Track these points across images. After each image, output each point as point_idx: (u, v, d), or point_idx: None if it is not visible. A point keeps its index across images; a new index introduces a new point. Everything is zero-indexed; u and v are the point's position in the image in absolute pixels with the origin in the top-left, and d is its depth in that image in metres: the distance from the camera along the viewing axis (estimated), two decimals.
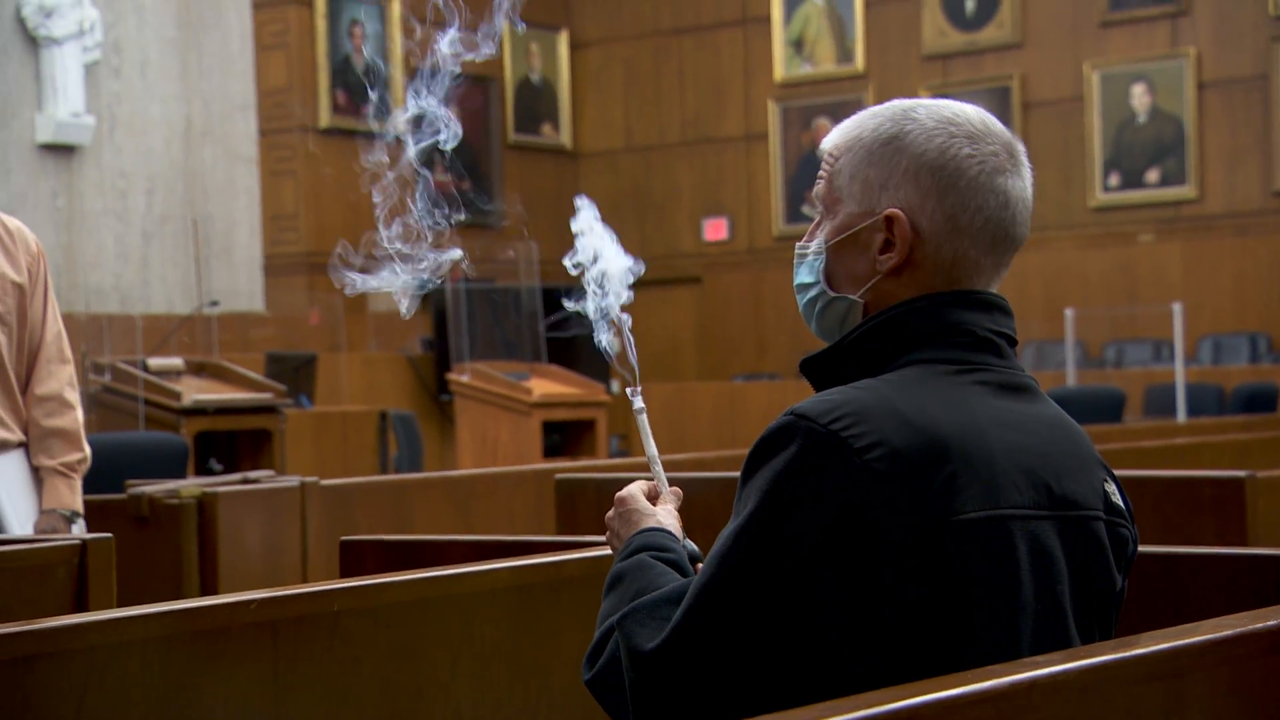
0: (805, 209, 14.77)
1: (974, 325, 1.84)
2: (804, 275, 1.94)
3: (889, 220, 1.84)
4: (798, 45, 15.07)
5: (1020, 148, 1.91)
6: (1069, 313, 10.99)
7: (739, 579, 1.70)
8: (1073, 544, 1.79)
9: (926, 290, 1.86)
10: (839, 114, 14.37)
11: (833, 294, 1.90)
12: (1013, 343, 1.87)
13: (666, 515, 2.00)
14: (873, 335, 1.85)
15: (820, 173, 1.93)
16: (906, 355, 1.81)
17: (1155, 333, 12.65)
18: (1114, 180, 13.76)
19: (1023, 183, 1.89)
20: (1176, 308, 10.27)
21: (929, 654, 1.68)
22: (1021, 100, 14.04)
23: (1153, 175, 13.59)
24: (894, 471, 1.66)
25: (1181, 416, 9.68)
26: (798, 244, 1.96)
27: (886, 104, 1.94)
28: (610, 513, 2.05)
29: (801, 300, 1.95)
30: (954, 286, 1.86)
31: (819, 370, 1.90)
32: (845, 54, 14.88)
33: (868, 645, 1.68)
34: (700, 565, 1.81)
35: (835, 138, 1.94)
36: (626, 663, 1.77)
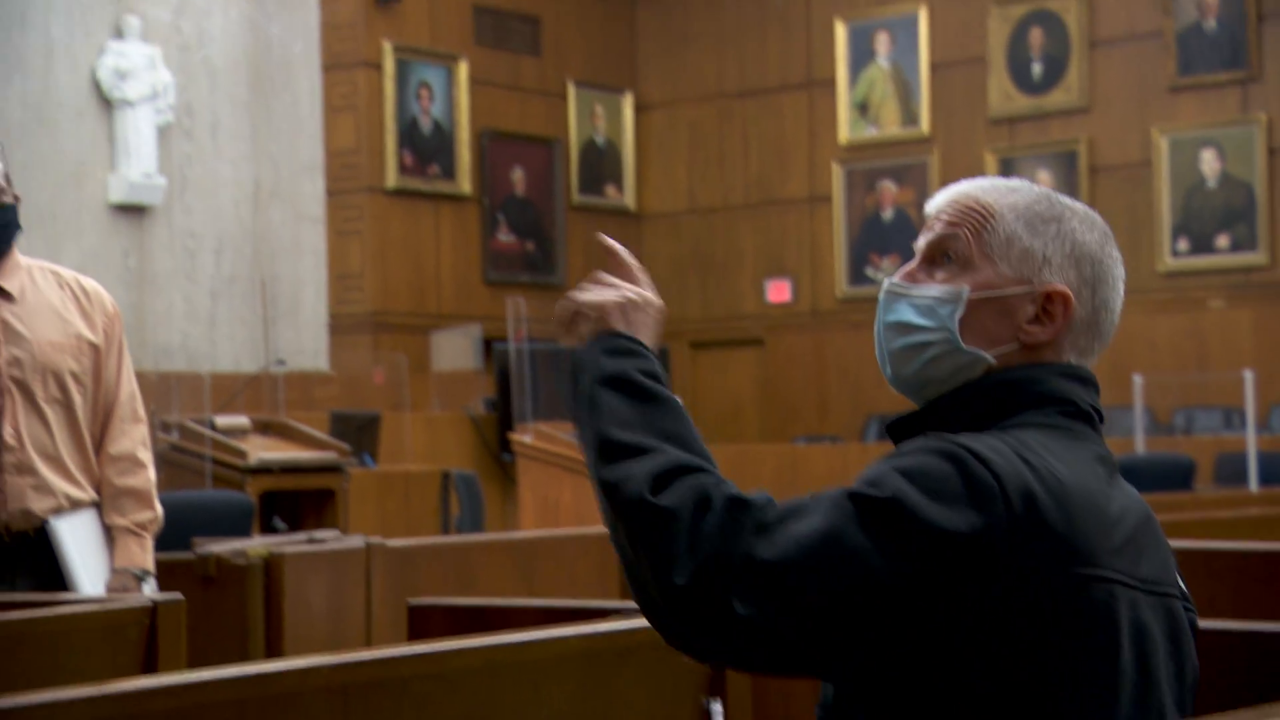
0: (869, 271, 14.78)
1: (1078, 398, 1.87)
2: (910, 316, 1.93)
3: (1053, 296, 1.88)
4: (862, 108, 15.10)
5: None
6: (1137, 379, 10.93)
7: (865, 549, 1.68)
8: (1163, 622, 1.81)
9: (1039, 361, 1.90)
10: (903, 177, 14.59)
11: (963, 348, 1.89)
12: (1102, 418, 1.89)
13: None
14: (990, 396, 1.87)
15: (953, 221, 1.94)
16: (1014, 417, 1.83)
17: (1226, 400, 12.55)
18: (1183, 245, 13.70)
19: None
20: (1248, 375, 10.20)
21: (1016, 696, 1.70)
22: (1089, 165, 14.00)
23: (1223, 240, 13.52)
24: (1030, 515, 1.68)
25: (1254, 486, 9.57)
26: (893, 281, 1.95)
27: (1014, 180, 1.99)
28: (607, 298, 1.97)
29: (900, 341, 1.93)
30: (1067, 361, 1.90)
31: (912, 427, 1.90)
32: (910, 117, 14.89)
33: (951, 662, 1.69)
34: None
35: (981, 195, 1.95)
36: (718, 540, 1.69)
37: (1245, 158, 13.42)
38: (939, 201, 1.96)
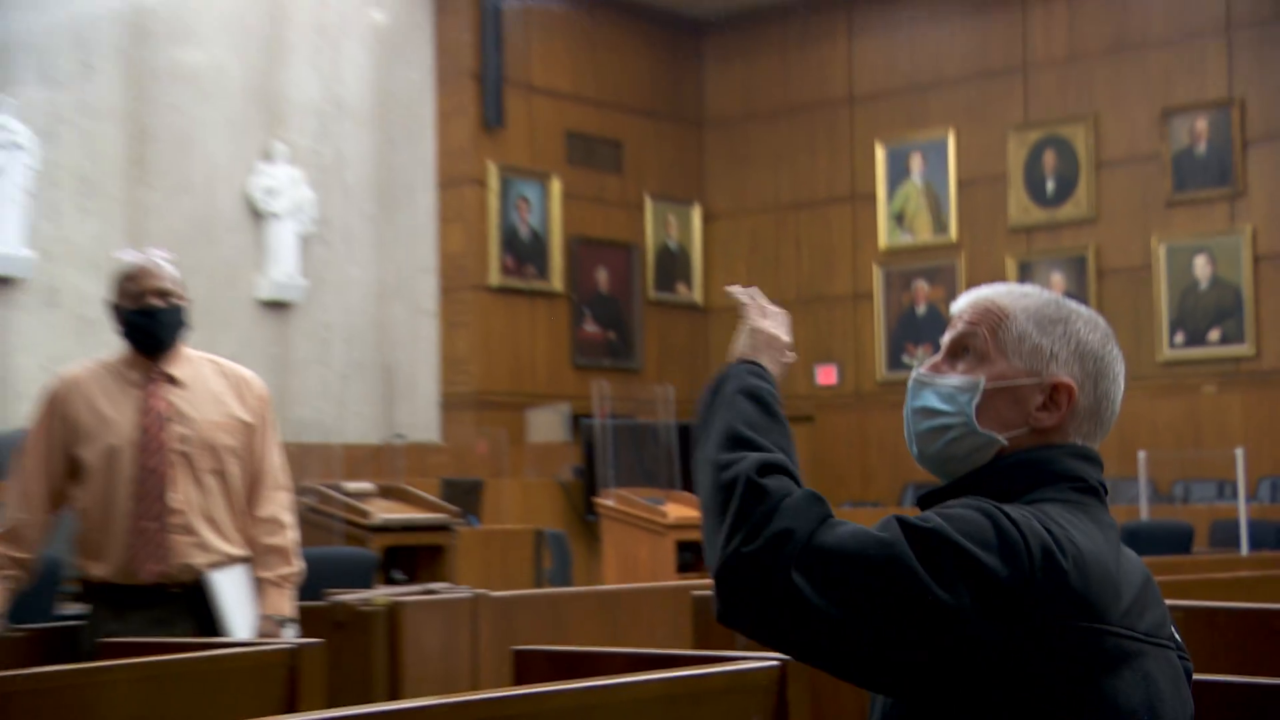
0: (905, 358, 14.72)
1: (1086, 475, 1.87)
2: (934, 402, 1.94)
3: (1059, 387, 1.90)
4: (899, 218, 15.10)
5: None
6: (1141, 454, 10.84)
7: (907, 567, 1.69)
8: (1169, 673, 1.81)
9: (1049, 443, 1.90)
10: (935, 278, 14.55)
11: (979, 431, 1.90)
12: (1107, 492, 1.90)
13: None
14: (1008, 473, 1.87)
15: (972, 321, 1.95)
16: (1034, 492, 1.83)
17: (1219, 474, 12.44)
18: (1179, 338, 13.61)
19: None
20: (1239, 452, 10.11)
21: None
22: (1096, 268, 13.95)
23: (1214, 335, 13.44)
24: (1049, 573, 1.69)
25: (1245, 550, 9.47)
26: (920, 372, 1.97)
27: (1027, 286, 2.01)
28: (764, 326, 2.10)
29: (925, 424, 1.94)
30: (1074, 443, 1.91)
31: (943, 499, 1.89)
32: (940, 226, 14.87)
33: (974, 692, 1.71)
34: None
35: (998, 299, 1.97)
36: (773, 522, 1.74)
37: (1233, 263, 13.35)
38: (962, 303, 1.99)
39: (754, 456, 1.81)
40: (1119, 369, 1.95)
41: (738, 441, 1.85)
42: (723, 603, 1.75)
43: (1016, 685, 1.67)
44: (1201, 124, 13.63)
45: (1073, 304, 1.97)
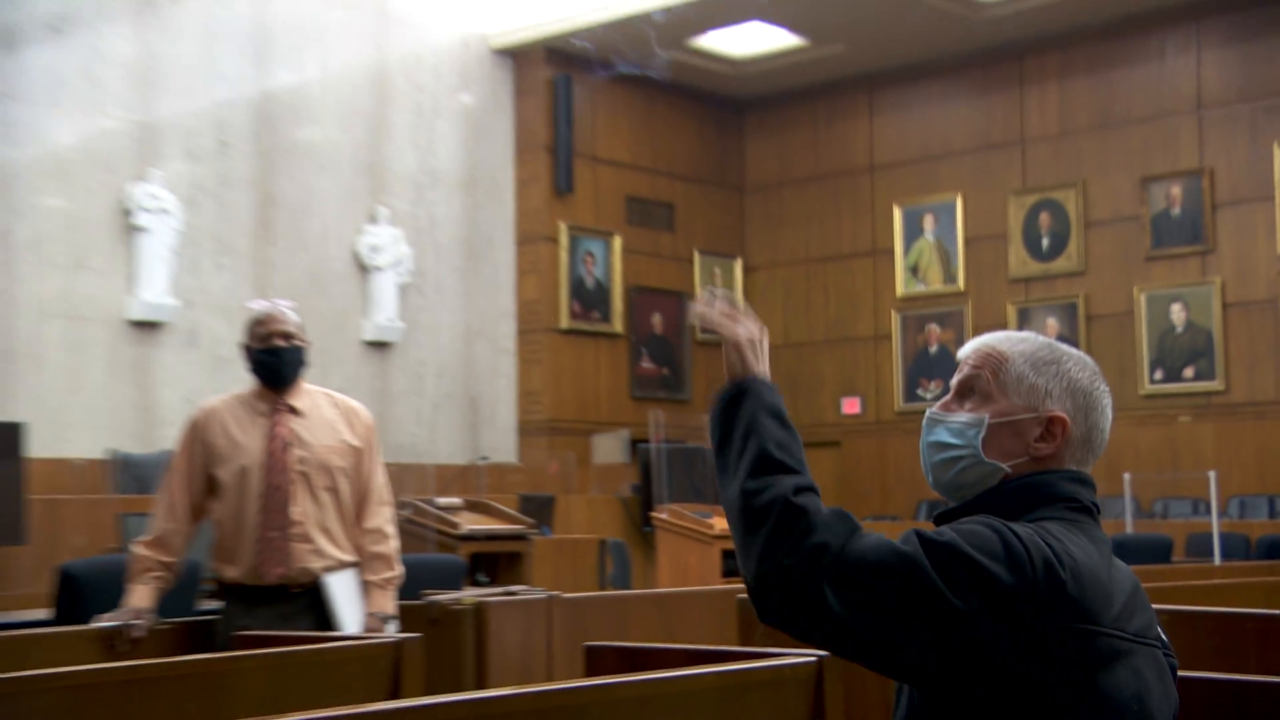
0: (920, 391, 14.66)
1: (1081, 496, 1.87)
2: (946, 436, 1.93)
3: (1054, 420, 1.89)
4: (914, 270, 15.06)
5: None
6: (1126, 476, 10.75)
7: (928, 575, 1.68)
8: (1155, 669, 1.80)
9: (1048, 469, 1.89)
10: (945, 322, 14.51)
11: (985, 460, 1.90)
12: (1099, 510, 1.90)
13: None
14: (1012, 496, 1.87)
15: (977, 365, 1.96)
16: (1035, 511, 1.83)
17: (1194, 493, 12.33)
18: (1158, 375, 13.52)
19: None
20: (1211, 474, 10.01)
21: None
22: (1086, 314, 13.88)
23: (1189, 372, 13.34)
24: (1050, 581, 1.70)
25: (1217, 560, 9.37)
26: (933, 410, 1.97)
27: (1024, 332, 2.02)
28: (745, 334, 1.98)
29: (938, 456, 1.94)
30: (1064, 467, 1.90)
31: (956, 518, 1.89)
32: (950, 277, 14.83)
33: (985, 690, 1.71)
34: None
35: (997, 345, 1.97)
36: (811, 535, 1.72)
37: (1205, 310, 13.26)
38: (967, 349, 1.99)
39: (789, 481, 1.77)
40: (1106, 402, 1.95)
41: (771, 465, 1.79)
42: (763, 609, 1.74)
43: (1021, 681, 1.68)
44: (1176, 190, 13.57)
45: (1064, 347, 1.97)
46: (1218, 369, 13.19)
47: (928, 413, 1.98)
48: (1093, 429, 1.92)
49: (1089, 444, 1.92)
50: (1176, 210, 13.54)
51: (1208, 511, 10.54)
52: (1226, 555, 9.63)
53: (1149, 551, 9.05)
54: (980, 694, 1.70)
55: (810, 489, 1.77)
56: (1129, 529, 10.58)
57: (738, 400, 1.90)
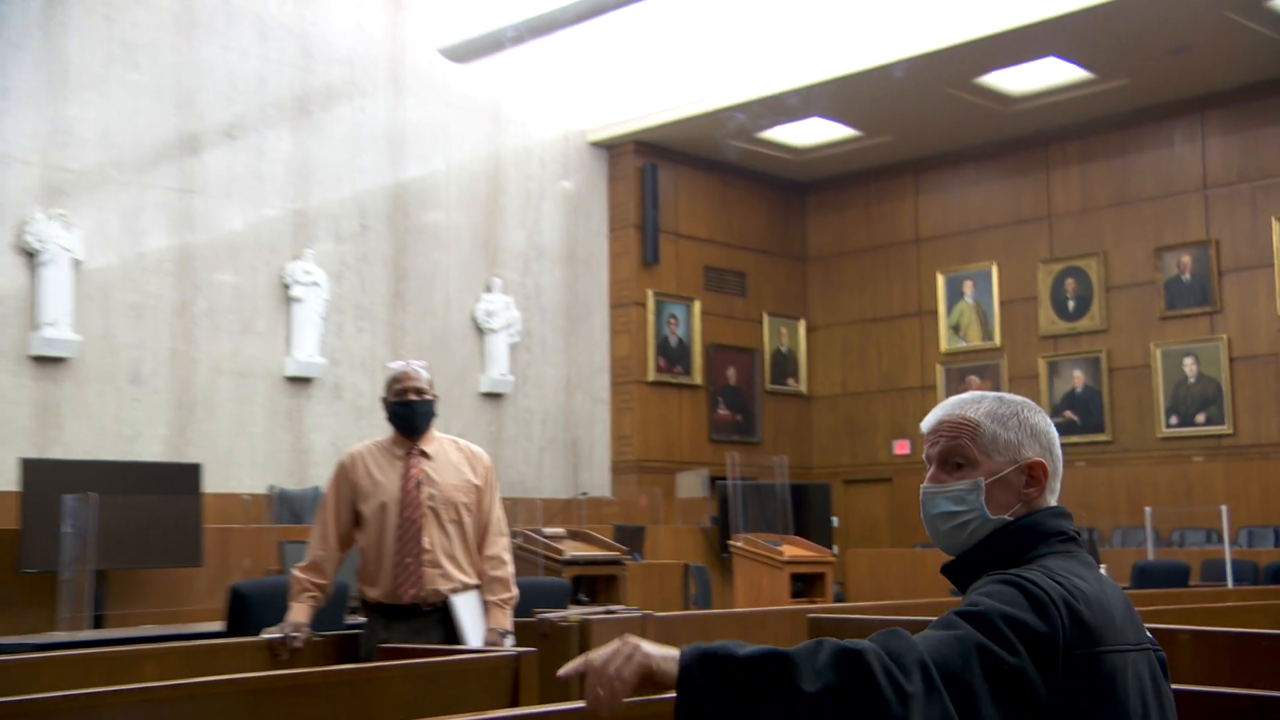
0: None
1: (1066, 529, 1.84)
2: (949, 506, 1.87)
3: (1034, 465, 1.86)
4: (956, 329, 14.94)
5: None
6: (1147, 509, 10.57)
7: (981, 644, 1.62)
8: (1149, 668, 1.79)
9: (1032, 509, 1.85)
10: (983, 374, 14.37)
11: (991, 518, 1.85)
12: (1079, 536, 1.86)
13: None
14: (1009, 541, 1.83)
15: (953, 435, 1.89)
16: (1032, 551, 1.80)
17: (1207, 524, 12.09)
18: (1174, 420, 13.28)
19: None
20: (1223, 508, 9.84)
21: None
22: (1107, 366, 13.69)
23: (1201, 417, 13.10)
24: (1072, 617, 1.67)
25: (1230, 583, 9.17)
26: (927, 486, 1.89)
27: (977, 392, 1.94)
28: (608, 659, 1.59)
29: (948, 525, 1.87)
30: (1046, 503, 1.87)
31: (962, 569, 1.87)
32: (987, 334, 14.69)
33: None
34: None
35: (965, 413, 1.90)
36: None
37: (1214, 363, 13.04)
38: (932, 423, 1.92)
39: (822, 656, 1.55)
40: (1056, 435, 1.91)
41: (782, 664, 1.55)
42: None
43: (1056, 710, 1.65)
44: (1186, 258, 13.38)
45: (1011, 396, 1.92)
46: (1226, 415, 12.94)
47: (923, 489, 1.89)
48: (1057, 461, 1.89)
49: (1057, 476, 1.89)
50: (1187, 276, 13.34)
51: (1220, 541, 10.33)
52: (1238, 580, 9.42)
53: (1169, 576, 8.88)
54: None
55: (824, 645, 1.57)
56: (1150, 556, 10.37)
57: (703, 677, 1.56)
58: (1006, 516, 1.85)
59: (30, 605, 7.28)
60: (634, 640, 1.57)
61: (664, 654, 1.56)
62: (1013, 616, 1.63)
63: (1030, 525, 1.83)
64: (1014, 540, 1.82)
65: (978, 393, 1.94)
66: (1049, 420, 1.92)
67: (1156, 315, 13.48)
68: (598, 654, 1.58)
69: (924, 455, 1.94)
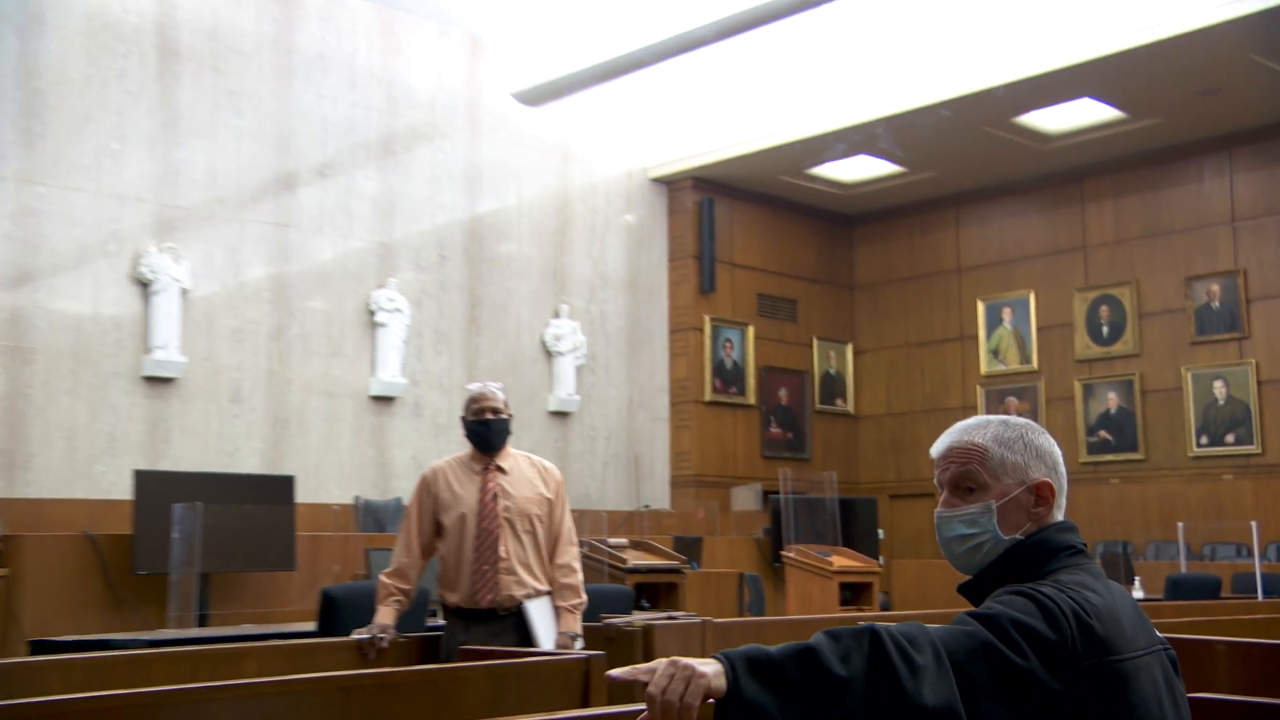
0: None
1: (1074, 542, 1.82)
2: (963, 529, 1.85)
3: (1041, 485, 1.84)
4: (995, 353, 14.80)
5: None
6: (1180, 525, 10.41)
7: (998, 648, 1.61)
8: (1162, 670, 1.78)
9: (1042, 526, 1.83)
10: (1021, 395, 14.23)
11: (1003, 538, 1.83)
12: (1087, 549, 1.85)
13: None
14: (1023, 559, 1.81)
15: (963, 461, 1.87)
16: (1045, 567, 1.79)
17: (1238, 539, 11.88)
18: (1204, 440, 13.07)
19: None
20: (1254, 524, 9.66)
21: None
22: (1140, 389, 13.51)
23: (1230, 438, 12.89)
24: (1082, 629, 1.65)
25: (1260, 596, 9.00)
26: (941, 511, 1.88)
27: (983, 417, 1.94)
28: (665, 685, 1.49)
29: (963, 547, 1.85)
30: (1054, 520, 1.85)
31: (975, 588, 1.85)
32: (1025, 358, 14.54)
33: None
34: None
35: (973, 439, 1.89)
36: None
37: (1243, 386, 12.83)
38: (941, 449, 1.91)
39: (842, 641, 1.55)
40: (1059, 454, 1.89)
41: (810, 655, 1.53)
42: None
43: (1074, 713, 1.63)
44: (1215, 287, 13.18)
45: (1015, 419, 1.91)
46: (1255, 435, 12.72)
47: (937, 514, 1.87)
48: (1062, 478, 1.88)
49: (1063, 492, 1.87)
50: (1216, 304, 13.15)
51: (1250, 555, 10.14)
52: (1268, 593, 9.23)
53: (1201, 589, 8.72)
54: None
55: (837, 634, 1.55)
56: (1183, 569, 10.20)
57: (743, 692, 1.51)
58: (1018, 536, 1.83)
59: (142, 604, 7.42)
60: (682, 661, 1.51)
61: (713, 669, 1.52)
62: (1023, 623, 1.62)
63: (1041, 542, 1.81)
64: (1026, 557, 1.81)
65: (983, 418, 1.93)
66: (1052, 440, 1.91)
67: (1187, 340, 13.29)
68: (652, 678, 1.50)
69: (935, 480, 1.93)
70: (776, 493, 11.09)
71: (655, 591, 8.20)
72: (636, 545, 8.78)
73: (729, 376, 14.47)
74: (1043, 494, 1.84)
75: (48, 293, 9.80)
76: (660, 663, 1.52)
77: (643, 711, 1.51)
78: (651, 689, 1.50)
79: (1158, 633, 1.81)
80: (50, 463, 9.65)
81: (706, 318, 14.28)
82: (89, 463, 9.83)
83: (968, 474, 1.87)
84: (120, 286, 10.15)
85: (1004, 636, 1.60)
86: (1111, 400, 13.65)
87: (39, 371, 9.71)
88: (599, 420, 13.34)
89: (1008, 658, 1.58)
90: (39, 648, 5.26)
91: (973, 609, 1.68)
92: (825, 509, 10.50)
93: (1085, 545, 1.84)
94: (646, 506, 12.27)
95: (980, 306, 14.94)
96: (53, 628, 6.86)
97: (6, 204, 9.64)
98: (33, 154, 9.79)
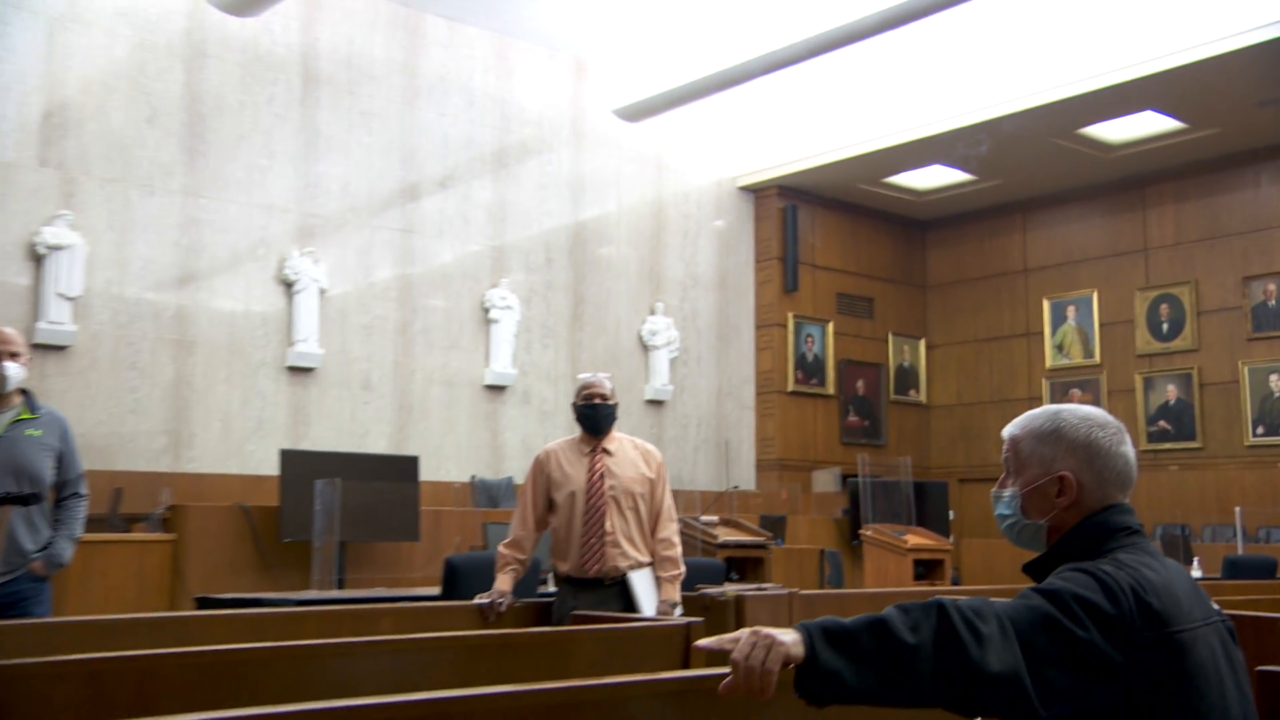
0: None
1: (1130, 522, 1.79)
2: (1002, 509, 1.88)
3: (1062, 478, 1.81)
4: (1059, 348, 14.50)
5: (1123, 427, 1.87)
6: (1237, 509, 10.13)
7: (1063, 626, 1.59)
8: (1218, 640, 1.74)
9: (1086, 513, 1.79)
10: (1085, 387, 13.93)
11: (1027, 521, 1.84)
12: (1143, 529, 1.81)
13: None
14: (1084, 539, 1.78)
15: (1006, 450, 1.89)
16: (1104, 546, 1.76)
17: None
18: (1260, 430, 12.68)
19: (1130, 448, 1.86)
20: None
21: (1153, 709, 1.61)
22: (1199, 382, 13.13)
23: None
24: (1140, 604, 1.62)
25: None
26: (993, 491, 1.90)
27: (1042, 408, 1.91)
28: (748, 652, 1.52)
29: (1003, 524, 1.88)
30: (1104, 504, 1.79)
31: (1039, 567, 1.84)
32: (1088, 352, 14.22)
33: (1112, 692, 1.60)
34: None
35: (1014, 430, 1.90)
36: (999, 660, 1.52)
37: None
38: (1003, 435, 1.92)
39: (912, 614, 1.55)
40: (1111, 443, 1.82)
41: (882, 627, 1.53)
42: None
43: (1135, 683, 1.62)
44: (1271, 286, 12.77)
45: (1066, 412, 1.86)
46: None
47: (993, 492, 1.90)
48: (1103, 469, 1.81)
49: (1107, 482, 1.80)
50: (1272, 302, 12.74)
51: None
52: None
53: (1257, 569, 8.48)
54: (1110, 704, 1.62)
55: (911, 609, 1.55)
56: (1240, 550, 9.92)
57: (820, 659, 1.52)
58: (1042, 522, 1.82)
59: (288, 568, 7.63)
60: (764, 630, 1.53)
61: (792, 638, 1.52)
62: (1083, 597, 1.60)
63: (1101, 523, 1.78)
64: (1086, 537, 1.78)
65: (1040, 410, 1.92)
66: (1103, 435, 1.83)
67: (1244, 337, 12.89)
68: (735, 646, 1.52)
69: None
70: (855, 476, 11.02)
71: (743, 565, 8.20)
72: (726, 523, 8.78)
73: (810, 369, 14.38)
74: (1065, 485, 1.80)
75: (207, 292, 10.09)
76: (743, 632, 1.53)
77: (729, 675, 1.53)
78: (735, 655, 1.52)
79: (1215, 605, 1.78)
80: (209, 442, 9.95)
81: (790, 315, 14.20)
82: (241, 442, 10.12)
83: (1007, 461, 1.89)
84: (267, 287, 10.42)
85: (1066, 610, 1.59)
86: (1170, 392, 13.29)
87: (199, 362, 10.02)
88: (690, 408, 13.34)
89: (1069, 629, 1.57)
90: (203, 603, 5.45)
91: (1036, 586, 1.66)
92: (900, 491, 10.41)
93: (1141, 526, 1.81)
94: (735, 487, 12.26)
95: (1046, 305, 14.63)
96: (213, 586, 7.09)
97: (174, 215, 9.96)
98: (195, 171, 10.09)
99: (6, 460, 3.89)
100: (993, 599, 1.59)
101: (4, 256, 9.06)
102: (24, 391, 4.09)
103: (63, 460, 4.07)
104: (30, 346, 4.14)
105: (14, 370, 4.00)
